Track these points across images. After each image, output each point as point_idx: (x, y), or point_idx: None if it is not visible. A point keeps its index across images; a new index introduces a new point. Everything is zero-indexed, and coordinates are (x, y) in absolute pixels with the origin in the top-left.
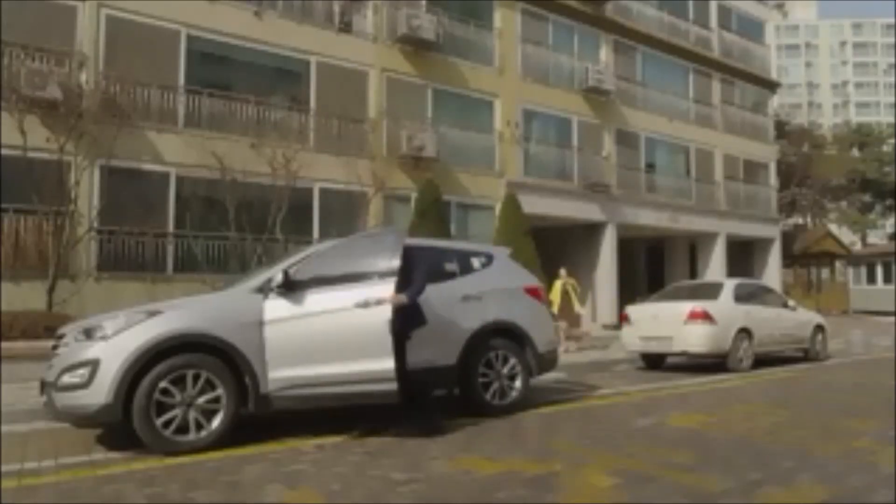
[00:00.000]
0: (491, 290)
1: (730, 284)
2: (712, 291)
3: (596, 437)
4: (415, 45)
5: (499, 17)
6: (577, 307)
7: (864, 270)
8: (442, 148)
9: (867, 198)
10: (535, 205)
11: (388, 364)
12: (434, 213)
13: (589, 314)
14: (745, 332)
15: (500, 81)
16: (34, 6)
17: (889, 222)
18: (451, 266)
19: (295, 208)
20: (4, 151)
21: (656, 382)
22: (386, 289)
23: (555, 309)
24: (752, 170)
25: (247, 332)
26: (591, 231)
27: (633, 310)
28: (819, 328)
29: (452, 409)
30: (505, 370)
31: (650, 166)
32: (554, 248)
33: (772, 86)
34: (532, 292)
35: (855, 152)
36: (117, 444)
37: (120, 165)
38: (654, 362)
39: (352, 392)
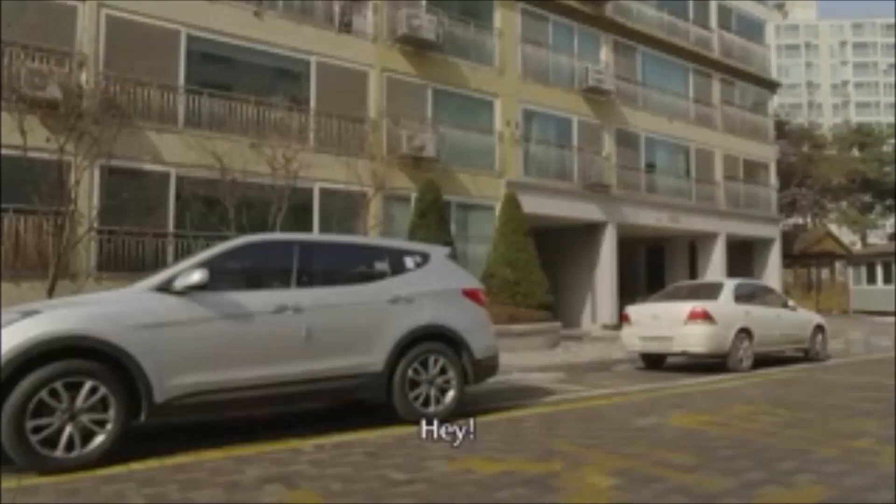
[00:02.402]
0: (425, 291)
1: (730, 284)
2: (712, 291)
3: (596, 437)
4: (415, 45)
5: (499, 17)
6: None
7: (864, 270)
8: (442, 148)
9: (867, 198)
10: (535, 205)
11: (306, 367)
12: (434, 213)
13: (589, 314)
14: (745, 332)
15: (500, 81)
16: (34, 6)
17: (889, 222)
18: (382, 265)
19: (295, 208)
20: (4, 151)
21: (656, 382)
22: (304, 293)
23: None
24: (752, 170)
25: (140, 335)
26: (591, 231)
27: (633, 310)
28: (819, 328)
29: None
30: (437, 377)
31: (650, 166)
32: (554, 248)
33: (772, 86)
34: (471, 295)
35: (855, 152)
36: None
37: (120, 165)
38: (654, 362)
39: (269, 395)
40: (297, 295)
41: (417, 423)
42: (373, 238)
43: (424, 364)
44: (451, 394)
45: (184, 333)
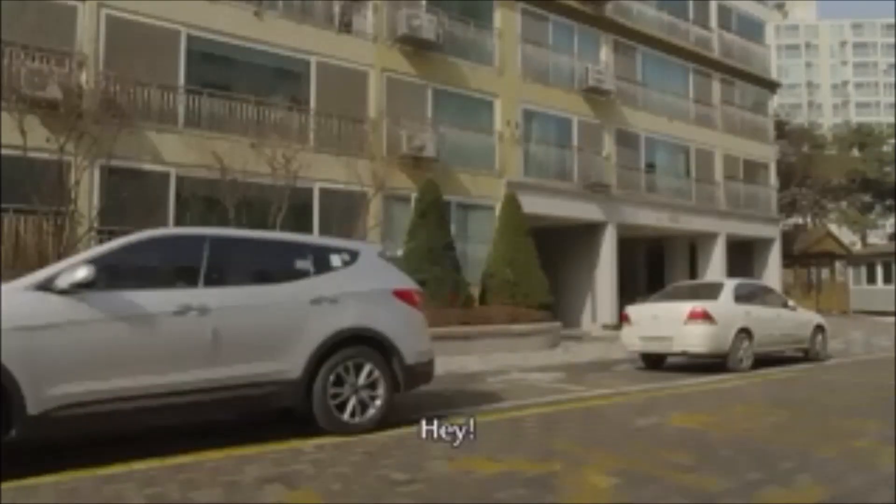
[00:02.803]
0: (351, 292)
1: (730, 284)
2: (712, 291)
3: (596, 437)
4: (415, 45)
5: (499, 17)
6: None
7: (864, 270)
8: (442, 148)
9: (867, 198)
10: (535, 205)
11: (211, 374)
12: (434, 213)
13: (589, 314)
14: (745, 333)
15: (500, 81)
16: (34, 6)
17: (889, 222)
18: (304, 263)
19: (295, 208)
20: (4, 151)
21: (656, 382)
22: (211, 293)
23: None
24: (752, 170)
25: (12, 338)
26: (591, 231)
27: (633, 310)
28: (819, 328)
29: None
30: (362, 384)
31: (650, 166)
32: (554, 248)
33: (772, 86)
34: (404, 296)
35: (855, 152)
36: (117, 444)
37: (120, 165)
38: (654, 362)
39: (168, 405)
40: (203, 294)
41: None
42: (296, 234)
43: (349, 370)
44: (378, 402)
45: (68, 337)
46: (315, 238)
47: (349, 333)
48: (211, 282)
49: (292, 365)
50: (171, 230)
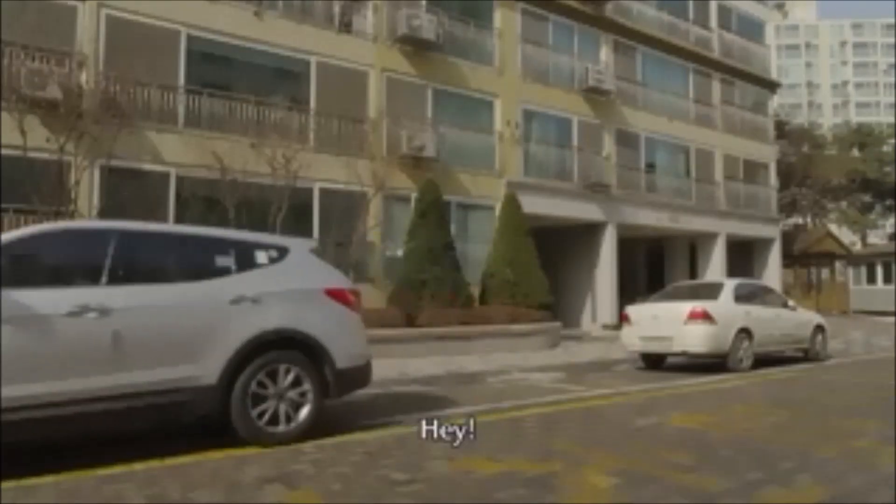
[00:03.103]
0: (277, 291)
1: (730, 284)
2: (712, 291)
3: (596, 437)
4: (415, 45)
5: (499, 17)
6: None
7: (864, 270)
8: (442, 148)
9: (867, 198)
10: (535, 205)
11: (112, 381)
12: (434, 213)
13: (589, 314)
14: (745, 333)
15: (500, 81)
16: (34, 6)
17: (889, 222)
18: (224, 260)
19: (295, 208)
20: (4, 151)
21: (656, 382)
22: (114, 292)
23: None
24: (752, 170)
25: None
26: (591, 231)
27: (633, 310)
28: (819, 328)
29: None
30: (289, 390)
31: (650, 166)
32: (554, 248)
33: (772, 86)
34: (337, 295)
35: (855, 152)
36: (117, 444)
37: (120, 165)
38: (654, 362)
39: (62, 416)
40: (104, 294)
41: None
42: (218, 229)
43: (273, 375)
44: (305, 409)
45: None
46: (238, 233)
47: (273, 336)
48: (116, 280)
49: (208, 370)
50: (72, 224)
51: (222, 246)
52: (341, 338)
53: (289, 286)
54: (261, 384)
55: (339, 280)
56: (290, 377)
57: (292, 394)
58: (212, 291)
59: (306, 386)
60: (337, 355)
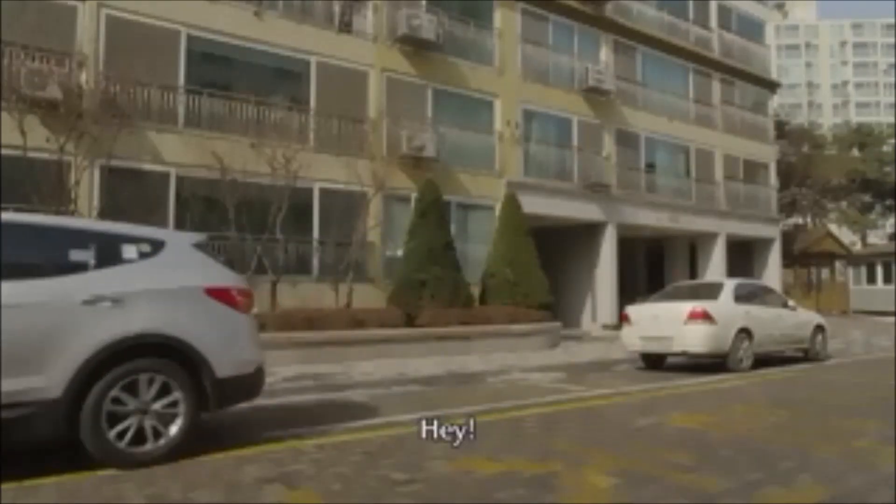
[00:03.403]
0: (145, 289)
1: (730, 284)
2: (712, 291)
3: (596, 437)
4: (415, 45)
5: (499, 17)
6: None
7: (864, 270)
8: (442, 148)
9: (867, 198)
10: (535, 205)
11: None
12: (434, 213)
13: (589, 314)
14: (745, 333)
15: (500, 81)
16: (34, 6)
17: (889, 222)
18: (81, 254)
19: (295, 208)
20: (4, 151)
21: (656, 382)
22: None
23: None
24: (752, 170)
25: None
26: (591, 231)
27: (633, 310)
28: (819, 328)
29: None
30: (154, 402)
31: (650, 166)
32: (554, 248)
33: (772, 86)
34: (220, 295)
35: (855, 152)
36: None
37: (120, 165)
38: (654, 362)
39: None
40: None
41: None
42: (76, 219)
43: (133, 387)
44: (177, 424)
45: None
46: (101, 224)
47: (136, 341)
48: None
49: (51, 381)
50: None
51: (79, 238)
52: (223, 343)
53: (161, 284)
54: (116, 400)
55: (224, 278)
56: (155, 388)
57: (159, 406)
58: (62, 290)
59: (177, 396)
60: (217, 362)
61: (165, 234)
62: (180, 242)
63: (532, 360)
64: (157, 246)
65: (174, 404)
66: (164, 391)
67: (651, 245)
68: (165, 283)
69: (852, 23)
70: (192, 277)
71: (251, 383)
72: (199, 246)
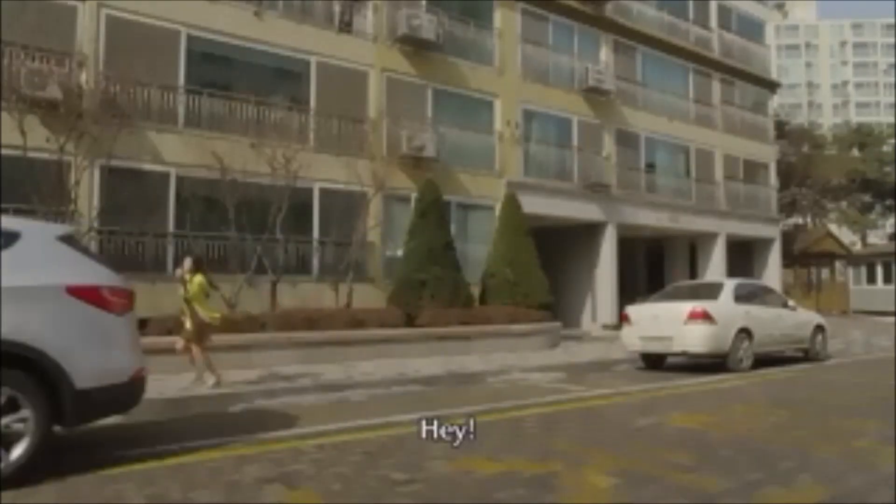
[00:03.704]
0: None
1: (730, 284)
2: (712, 291)
3: (596, 437)
4: (415, 45)
5: (499, 17)
6: (201, 313)
7: (864, 270)
8: (442, 148)
9: (867, 198)
10: (535, 205)
11: None
12: (434, 213)
13: (589, 314)
14: (745, 333)
15: (500, 81)
16: (34, 6)
17: (889, 222)
18: None
19: (295, 208)
20: (4, 151)
21: (656, 382)
22: None
23: (202, 315)
24: (752, 170)
25: None
26: (591, 231)
27: (633, 310)
28: (819, 328)
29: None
30: None
31: (650, 166)
32: (554, 248)
33: (772, 86)
34: (85, 294)
35: (855, 152)
36: (117, 444)
37: (120, 165)
38: (654, 362)
39: None
40: None
41: None
42: None
43: None
44: (21, 445)
45: None
46: None
47: None
48: None
49: None
50: None
51: None
52: (86, 349)
53: (8, 282)
54: None
55: (94, 275)
56: None
57: (2, 424)
58: None
59: (25, 412)
60: (77, 372)
61: (21, 224)
62: (40, 235)
63: (532, 360)
64: (10, 238)
65: (21, 419)
66: (12, 406)
67: (651, 245)
68: (15, 281)
69: (852, 23)
70: (50, 275)
71: (124, 393)
72: (65, 239)
